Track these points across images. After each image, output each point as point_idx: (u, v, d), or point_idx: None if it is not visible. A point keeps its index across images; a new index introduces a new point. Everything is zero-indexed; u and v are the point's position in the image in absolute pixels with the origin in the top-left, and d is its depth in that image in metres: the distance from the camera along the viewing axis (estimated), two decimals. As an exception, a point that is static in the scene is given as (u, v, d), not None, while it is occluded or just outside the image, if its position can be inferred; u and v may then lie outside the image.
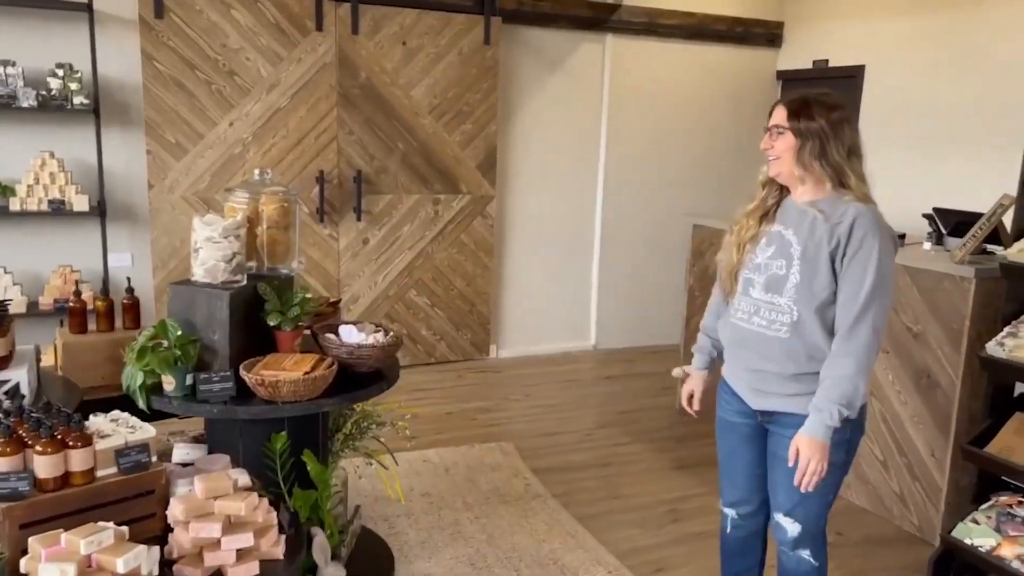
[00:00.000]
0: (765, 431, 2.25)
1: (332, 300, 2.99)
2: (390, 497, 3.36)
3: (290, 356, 2.43)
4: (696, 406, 2.48)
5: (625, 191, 5.99)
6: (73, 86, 4.35)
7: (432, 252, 5.41)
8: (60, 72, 4.34)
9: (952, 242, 3.53)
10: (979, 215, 3.31)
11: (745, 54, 6.21)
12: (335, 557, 2.62)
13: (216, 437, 2.51)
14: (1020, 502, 2.92)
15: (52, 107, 4.33)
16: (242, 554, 1.92)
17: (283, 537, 2.04)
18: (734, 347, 2.26)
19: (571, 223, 5.94)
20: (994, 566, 2.74)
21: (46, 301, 4.46)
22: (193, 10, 4.55)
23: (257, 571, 1.92)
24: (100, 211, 4.55)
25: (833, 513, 2.27)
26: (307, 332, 2.63)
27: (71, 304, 2.80)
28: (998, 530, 2.80)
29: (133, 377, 2.26)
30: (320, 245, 5.09)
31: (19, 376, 2.31)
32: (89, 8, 4.37)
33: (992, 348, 2.88)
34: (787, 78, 6.28)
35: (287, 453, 2.40)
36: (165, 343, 2.28)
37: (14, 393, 2.18)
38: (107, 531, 1.73)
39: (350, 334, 2.56)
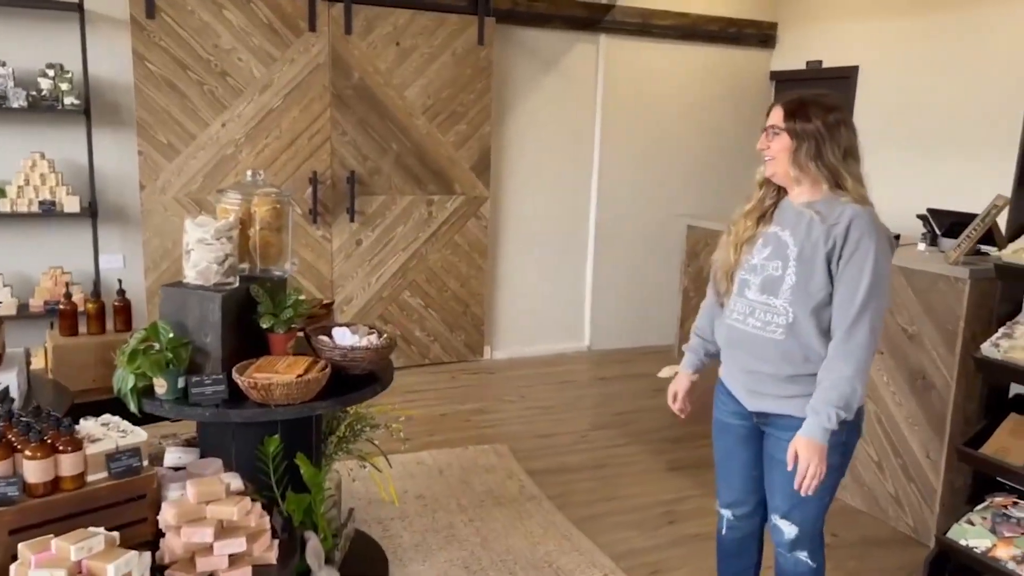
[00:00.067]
0: (761, 433, 2.24)
1: (325, 302, 2.98)
2: (384, 500, 3.34)
3: (283, 359, 2.41)
4: (680, 406, 2.46)
5: (619, 192, 5.99)
6: (64, 86, 4.32)
7: (426, 253, 5.40)
8: (51, 72, 4.32)
9: (946, 243, 3.53)
10: (973, 216, 3.31)
11: (739, 55, 6.22)
12: (329, 561, 2.60)
13: (208, 441, 2.49)
14: (1015, 503, 2.92)
15: (43, 107, 4.30)
16: (235, 559, 1.90)
17: (276, 541, 2.02)
18: (730, 348, 2.26)
19: (565, 224, 5.94)
20: (989, 567, 2.73)
21: (36, 303, 4.43)
22: (185, 10, 4.53)
23: (250, 576, 1.91)
24: (91, 212, 4.52)
25: (829, 514, 2.27)
26: (300, 334, 2.61)
27: (62, 306, 2.77)
28: (993, 531, 2.81)
29: (124, 380, 2.24)
30: (313, 246, 5.07)
31: (8, 379, 2.29)
32: (80, 8, 4.34)
33: (987, 349, 2.88)
34: (781, 79, 6.29)
35: (280, 456, 2.39)
36: (157, 346, 2.26)
37: (3, 397, 2.16)
38: (98, 537, 1.72)
39: (343, 336, 2.54)
